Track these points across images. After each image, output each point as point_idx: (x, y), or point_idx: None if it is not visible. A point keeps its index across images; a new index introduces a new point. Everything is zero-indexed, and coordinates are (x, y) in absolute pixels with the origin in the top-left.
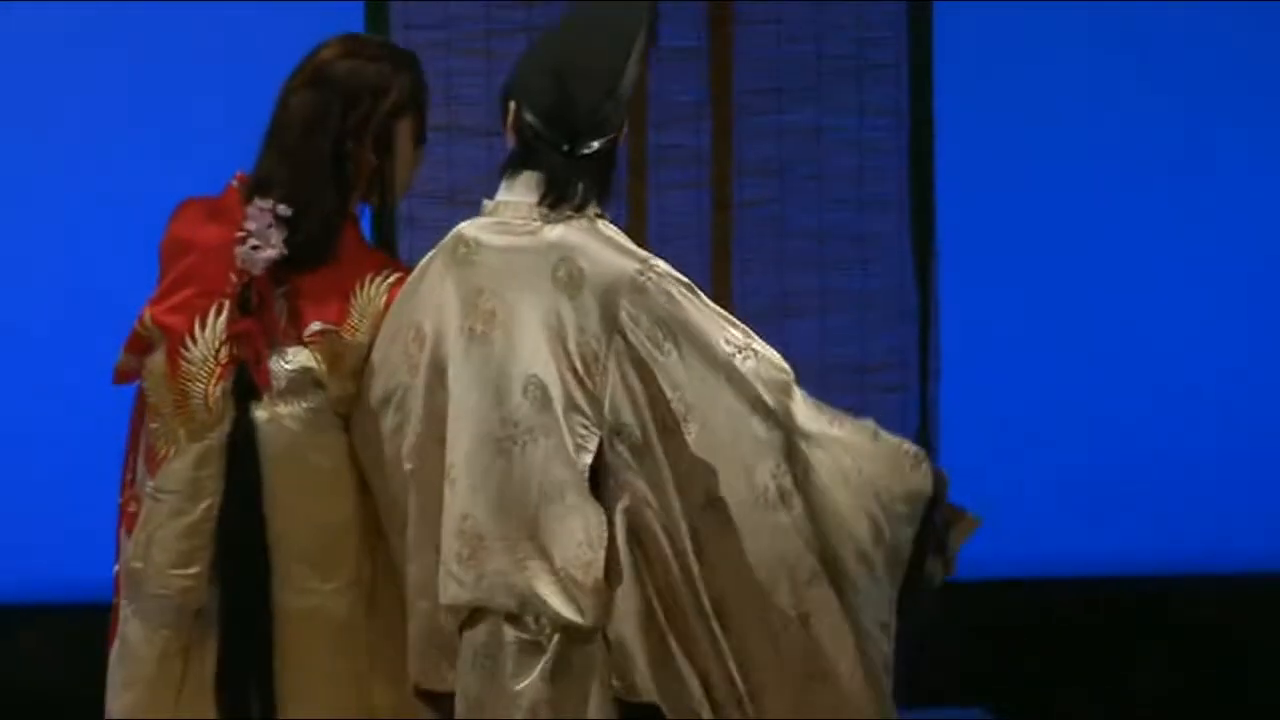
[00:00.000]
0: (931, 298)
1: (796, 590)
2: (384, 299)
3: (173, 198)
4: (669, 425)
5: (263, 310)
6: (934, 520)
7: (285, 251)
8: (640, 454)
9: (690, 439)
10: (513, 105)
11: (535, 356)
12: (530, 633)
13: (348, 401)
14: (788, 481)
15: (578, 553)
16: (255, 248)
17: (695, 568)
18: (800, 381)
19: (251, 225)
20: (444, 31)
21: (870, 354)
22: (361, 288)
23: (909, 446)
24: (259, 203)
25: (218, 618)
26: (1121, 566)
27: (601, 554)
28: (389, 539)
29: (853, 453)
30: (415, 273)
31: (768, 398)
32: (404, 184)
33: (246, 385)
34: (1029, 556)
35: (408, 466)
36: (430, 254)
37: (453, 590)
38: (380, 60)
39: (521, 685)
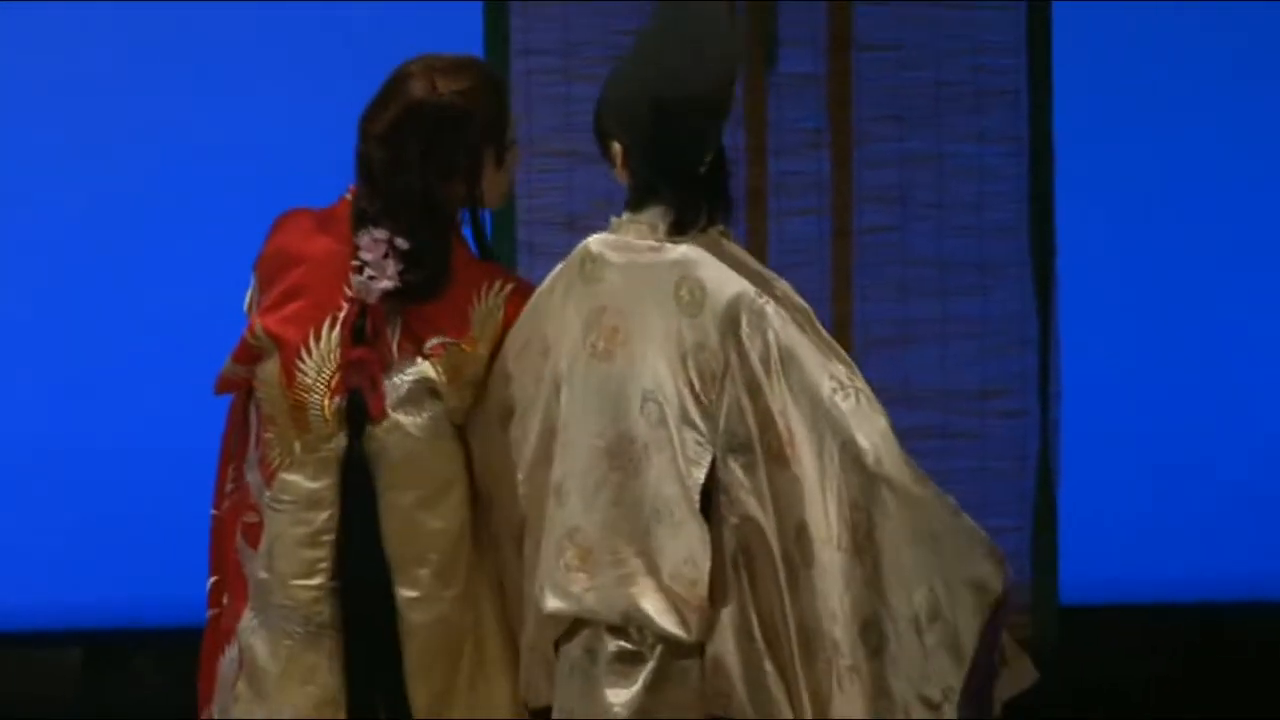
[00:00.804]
0: (1052, 323)
1: (852, 638)
2: (503, 310)
3: (279, 207)
4: (774, 449)
5: (377, 338)
6: (998, 623)
7: (400, 284)
8: (751, 472)
9: (792, 466)
10: (617, 147)
11: (654, 373)
12: (632, 643)
13: (464, 412)
14: (863, 528)
15: (684, 569)
16: (371, 278)
17: (788, 593)
18: (921, 408)
19: (367, 255)
20: (562, 58)
21: (991, 380)
22: (479, 299)
23: (985, 536)
24: (374, 233)
25: (342, 629)
26: (1243, 591)
27: (706, 570)
28: (500, 551)
29: (931, 518)
30: (543, 285)
31: (861, 440)
32: (494, 203)
33: (360, 412)
34: (1148, 581)
35: (520, 477)
36: (558, 268)
37: (557, 601)
38: (459, 88)
39: (619, 695)
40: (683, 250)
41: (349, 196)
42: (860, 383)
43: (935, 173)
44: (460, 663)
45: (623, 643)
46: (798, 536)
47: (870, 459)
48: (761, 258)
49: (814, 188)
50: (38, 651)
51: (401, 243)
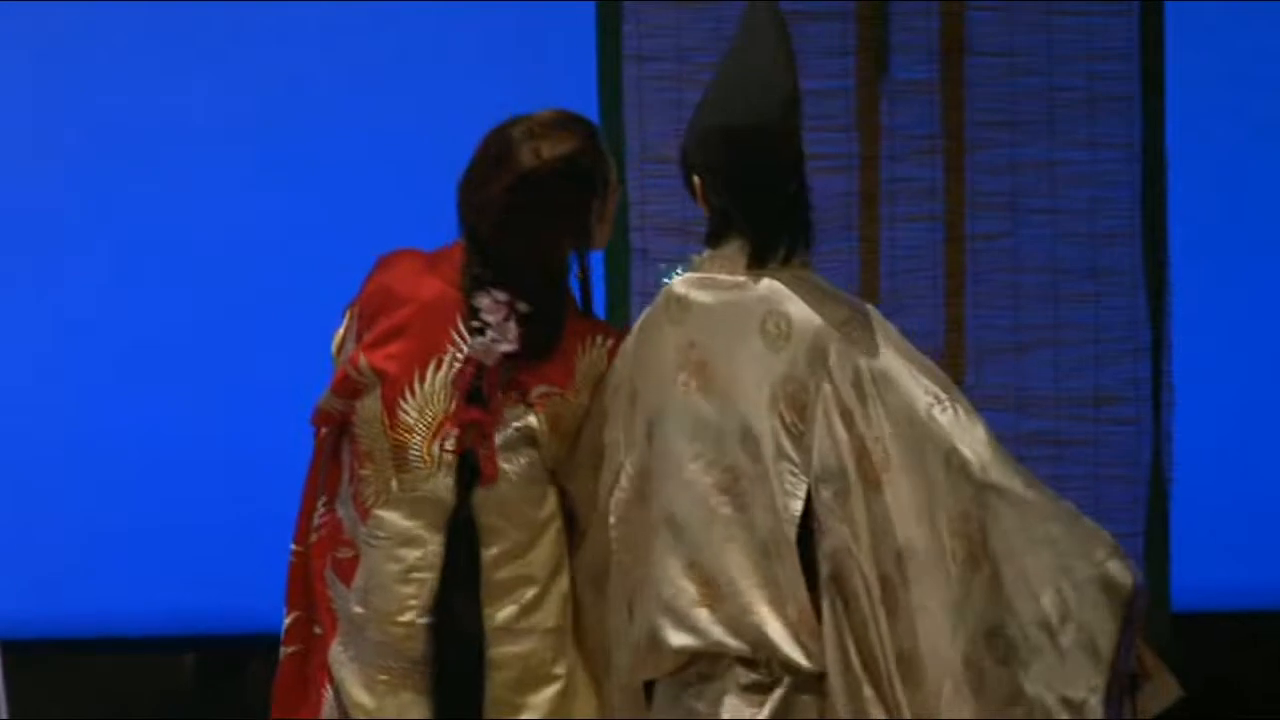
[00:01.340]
0: (1165, 330)
1: (975, 648)
2: (606, 362)
3: (406, 221)
4: (869, 475)
5: (490, 399)
6: (1135, 620)
7: (520, 347)
8: (843, 500)
9: (888, 490)
10: (697, 180)
11: (747, 407)
12: (759, 674)
13: (560, 459)
14: (977, 539)
15: (797, 598)
16: (495, 341)
17: (884, 618)
18: (1033, 415)
19: (489, 318)
20: (675, 64)
21: (1103, 386)
22: (584, 351)
23: (1107, 535)
24: (496, 295)
25: (432, 667)
26: None
27: (806, 600)
28: (584, 591)
29: (1047, 521)
30: (632, 333)
31: (964, 450)
32: (601, 245)
33: (472, 472)
34: (1262, 587)
35: (612, 521)
36: (644, 313)
37: (684, 636)
38: (564, 153)
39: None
40: (766, 284)
41: (462, 244)
42: (958, 395)
43: (1048, 179)
44: (545, 694)
45: (751, 673)
46: (897, 560)
47: (976, 468)
48: (874, 264)
49: (927, 194)
50: (152, 657)
51: (523, 306)
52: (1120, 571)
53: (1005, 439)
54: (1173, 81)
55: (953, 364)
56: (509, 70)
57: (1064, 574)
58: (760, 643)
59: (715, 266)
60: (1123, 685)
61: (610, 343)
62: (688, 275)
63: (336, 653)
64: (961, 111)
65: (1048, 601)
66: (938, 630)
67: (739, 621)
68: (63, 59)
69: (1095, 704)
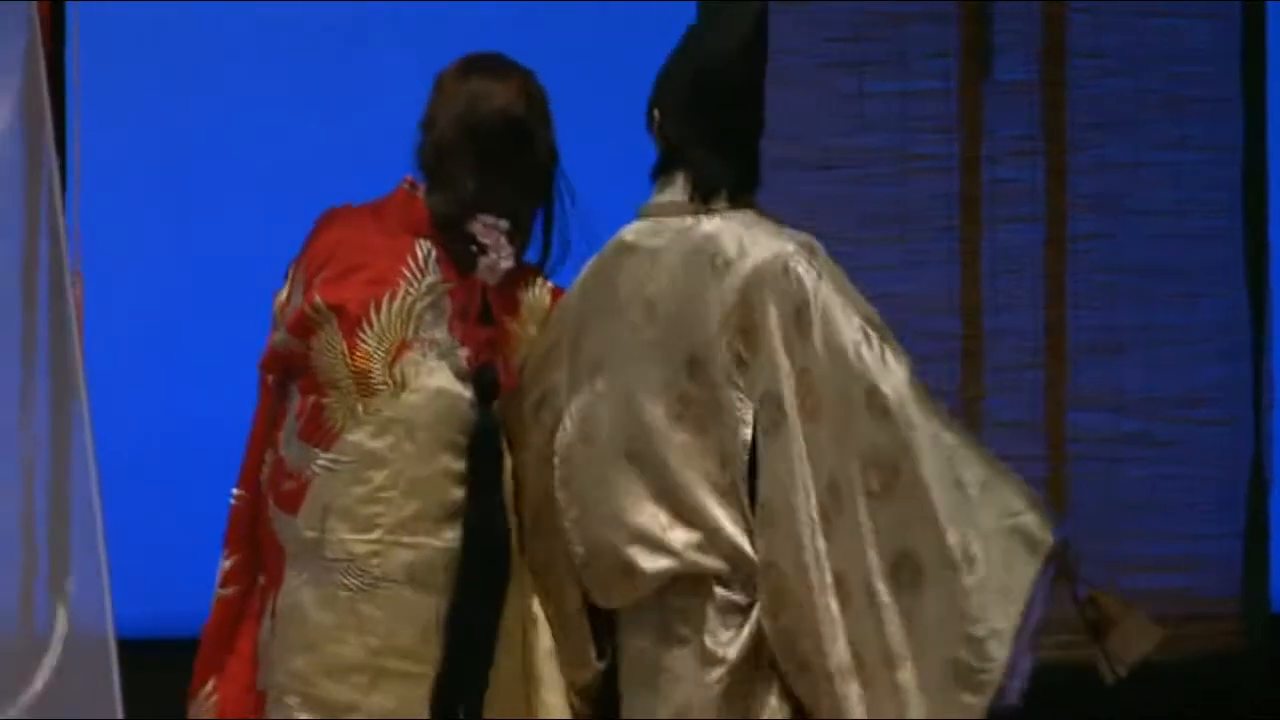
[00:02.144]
0: (1266, 330)
1: (884, 575)
2: (547, 300)
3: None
4: (806, 405)
5: (498, 319)
6: (1060, 572)
7: (515, 263)
8: (779, 427)
9: (820, 421)
10: (656, 113)
11: (696, 338)
12: (737, 593)
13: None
14: (891, 473)
15: (748, 518)
16: (497, 259)
17: (822, 541)
18: (1130, 415)
19: (487, 240)
20: (772, 65)
21: (1198, 387)
22: (529, 287)
23: (1028, 487)
24: (485, 219)
25: (448, 621)
26: None
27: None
28: (529, 538)
29: (962, 466)
30: (575, 284)
31: (886, 389)
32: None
33: (489, 388)
34: None
35: (556, 461)
36: (591, 261)
37: (657, 561)
38: (509, 95)
39: (722, 638)
40: (713, 222)
41: (406, 186)
42: (887, 335)
43: (1146, 180)
44: (509, 657)
45: (729, 593)
46: (830, 487)
47: (895, 406)
48: (975, 265)
49: (1027, 195)
50: None
51: (506, 224)
52: (1038, 525)
53: (1103, 440)
54: (1274, 79)
55: (1052, 365)
56: (608, 72)
57: (972, 519)
58: (735, 558)
59: (662, 210)
60: (1034, 629)
61: (549, 286)
62: (637, 225)
63: (290, 581)
64: (1062, 113)
65: (954, 541)
66: (861, 558)
67: (712, 540)
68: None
69: (995, 647)
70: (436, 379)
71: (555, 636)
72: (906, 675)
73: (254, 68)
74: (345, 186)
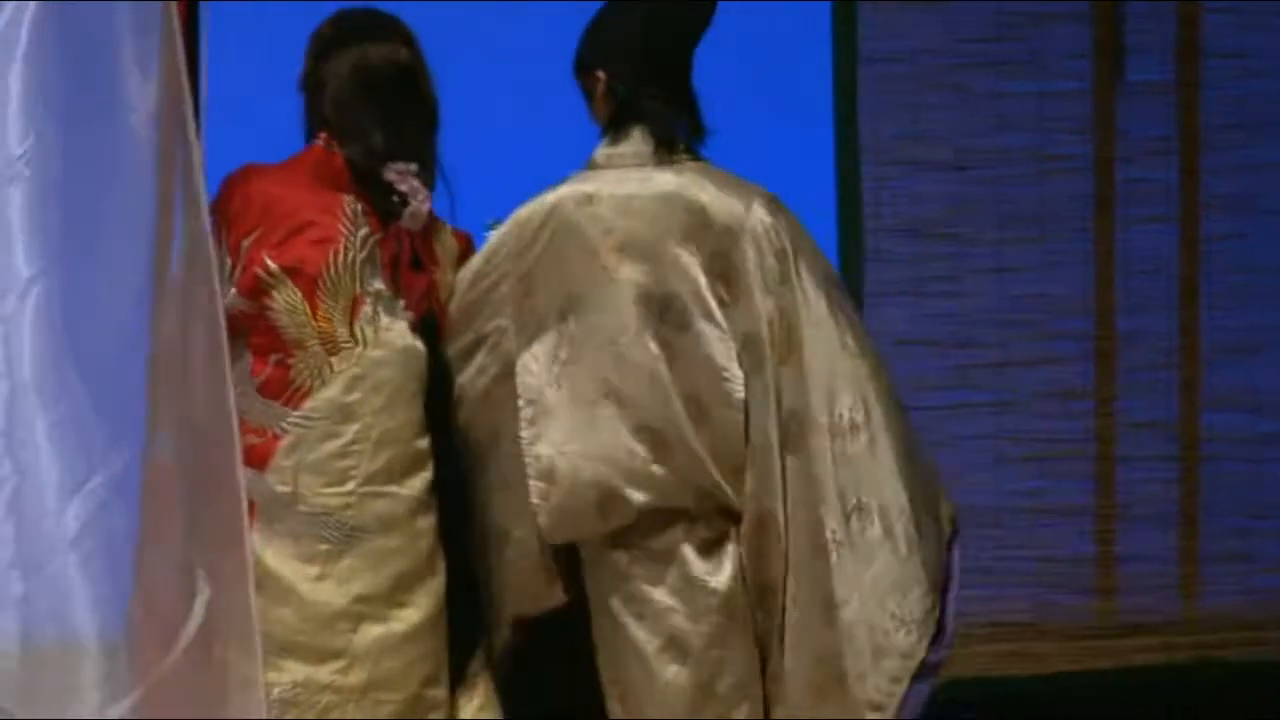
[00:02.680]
0: None
1: (843, 515)
2: (455, 244)
3: None
4: (777, 342)
5: (426, 263)
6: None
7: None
8: (759, 365)
9: (793, 359)
10: (602, 75)
11: (674, 282)
12: (705, 530)
13: None
14: (859, 416)
15: (732, 452)
16: (419, 205)
17: (779, 479)
18: (1268, 415)
19: (404, 187)
20: (910, 66)
21: None
22: (438, 232)
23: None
24: (397, 166)
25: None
26: None
27: (742, 453)
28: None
29: (910, 435)
30: (510, 230)
31: (852, 340)
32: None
33: (433, 331)
34: None
35: (522, 404)
36: (527, 211)
37: (640, 494)
38: (389, 47)
39: (712, 575)
40: (678, 171)
41: (321, 144)
42: (844, 289)
43: None
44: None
45: (701, 530)
46: (792, 419)
47: (860, 352)
48: (1108, 265)
49: (1161, 196)
50: None
51: (416, 168)
52: (950, 514)
53: (1238, 440)
54: None
55: (1187, 366)
56: (745, 70)
57: (917, 483)
58: (709, 491)
59: (623, 161)
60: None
61: (451, 229)
62: (594, 174)
63: (263, 534)
64: (1196, 113)
65: (903, 502)
66: (819, 495)
67: (689, 473)
68: None
69: (924, 594)
70: (399, 335)
71: (491, 575)
72: (850, 613)
73: None
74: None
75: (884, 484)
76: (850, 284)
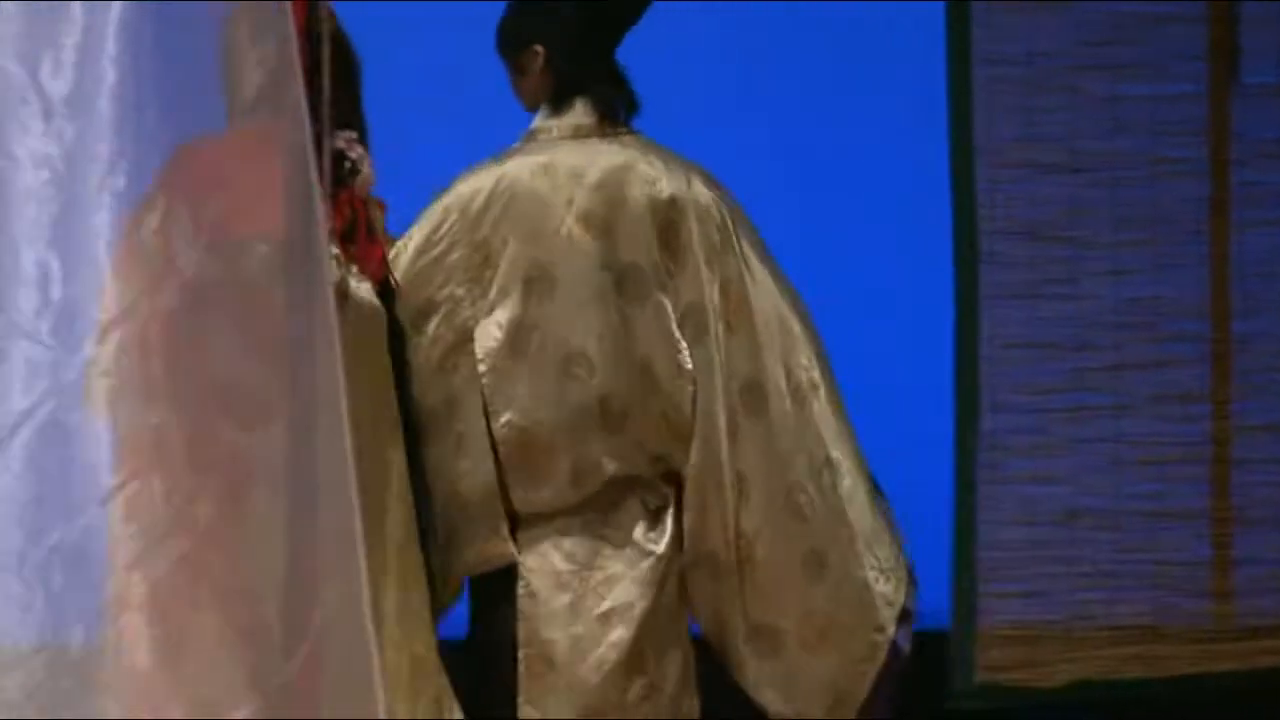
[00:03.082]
0: None
1: (812, 472)
2: (380, 212)
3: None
4: (726, 312)
5: (376, 231)
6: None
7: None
8: (702, 335)
9: (743, 328)
10: (540, 50)
11: (629, 251)
12: (659, 497)
13: None
14: (815, 374)
15: (681, 419)
16: (368, 174)
17: (726, 444)
18: None
19: (352, 154)
20: (1026, 68)
21: None
22: (365, 203)
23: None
24: (342, 134)
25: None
26: None
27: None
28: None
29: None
30: (454, 201)
31: (796, 306)
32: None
33: (391, 296)
34: None
35: (482, 370)
36: (491, 182)
37: (610, 465)
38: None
39: (655, 542)
40: (624, 143)
41: None
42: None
43: None
44: None
45: (650, 494)
46: (747, 389)
47: (797, 326)
48: (1223, 268)
49: (1276, 199)
50: None
51: (354, 134)
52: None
53: None
54: None
55: None
56: (857, 70)
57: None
58: (661, 456)
59: (576, 133)
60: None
61: (375, 199)
62: (536, 144)
63: None
64: None
65: (851, 465)
66: (789, 455)
67: (647, 439)
68: None
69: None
70: (369, 299)
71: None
72: (833, 567)
73: None
74: None
75: (843, 436)
76: (964, 287)
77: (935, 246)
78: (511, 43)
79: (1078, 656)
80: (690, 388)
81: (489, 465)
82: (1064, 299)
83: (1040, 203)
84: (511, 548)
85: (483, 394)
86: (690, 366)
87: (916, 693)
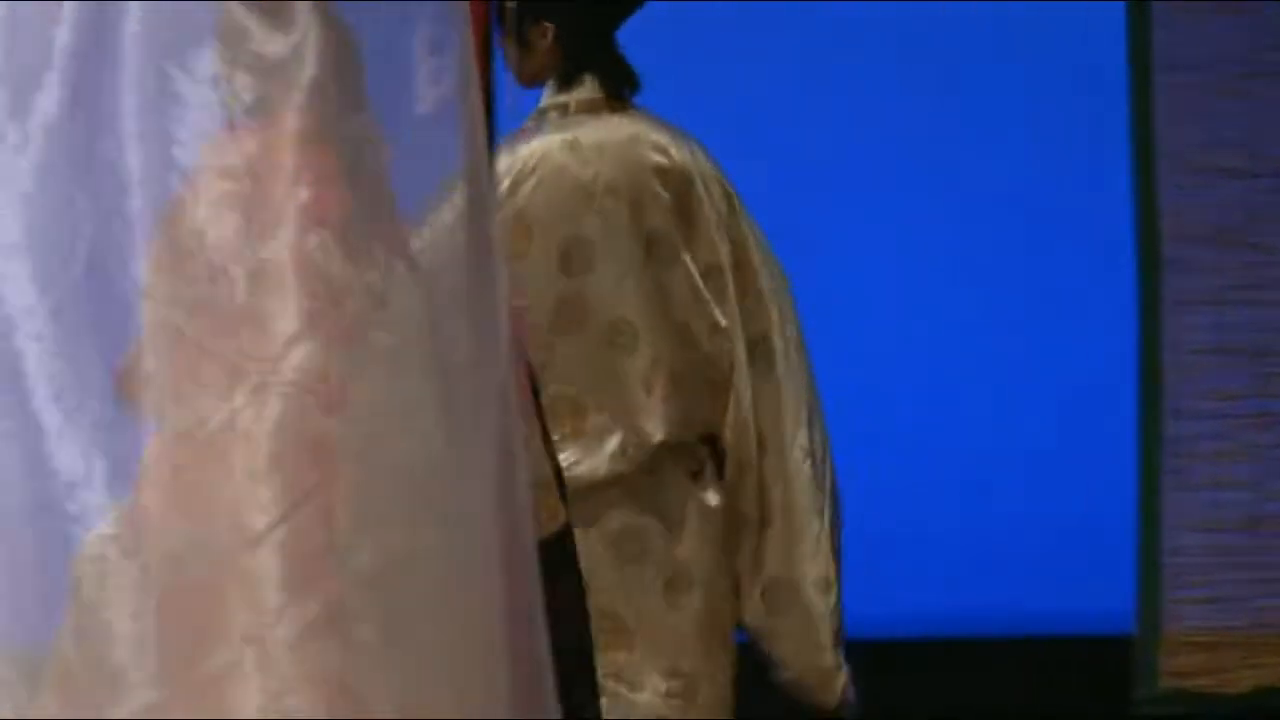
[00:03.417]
0: None
1: (809, 428)
2: None
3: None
4: (738, 275)
5: None
6: None
7: None
8: (722, 295)
9: (752, 290)
10: (547, 26)
11: (652, 221)
12: (699, 459)
13: None
14: (799, 332)
15: (721, 378)
16: None
17: (750, 402)
18: None
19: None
20: (1205, 73)
21: None
22: None
23: None
24: None
25: None
26: None
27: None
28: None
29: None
30: (506, 175)
31: (779, 270)
32: None
33: None
34: None
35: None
36: (523, 158)
37: (657, 434)
38: None
39: (714, 501)
40: (634, 119)
41: None
42: None
43: None
44: None
45: (691, 460)
46: (756, 349)
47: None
48: None
49: None
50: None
51: None
52: None
53: None
54: None
55: None
56: (1040, 75)
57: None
58: (705, 418)
59: (589, 108)
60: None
61: None
62: (555, 120)
63: None
64: None
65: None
66: (790, 415)
67: (691, 403)
68: None
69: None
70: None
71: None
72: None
73: None
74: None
75: (814, 388)
76: (1147, 292)
77: (1117, 252)
78: (517, 22)
79: (1260, 663)
80: (727, 344)
81: (537, 439)
82: (1247, 304)
83: (1224, 209)
84: (564, 514)
85: (529, 367)
86: (725, 324)
87: (1101, 698)
